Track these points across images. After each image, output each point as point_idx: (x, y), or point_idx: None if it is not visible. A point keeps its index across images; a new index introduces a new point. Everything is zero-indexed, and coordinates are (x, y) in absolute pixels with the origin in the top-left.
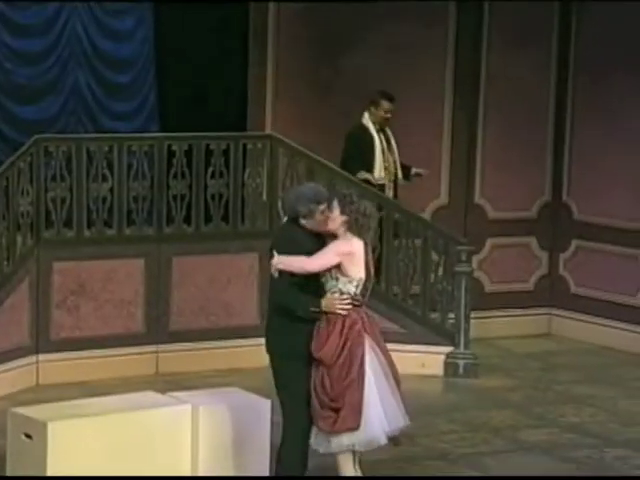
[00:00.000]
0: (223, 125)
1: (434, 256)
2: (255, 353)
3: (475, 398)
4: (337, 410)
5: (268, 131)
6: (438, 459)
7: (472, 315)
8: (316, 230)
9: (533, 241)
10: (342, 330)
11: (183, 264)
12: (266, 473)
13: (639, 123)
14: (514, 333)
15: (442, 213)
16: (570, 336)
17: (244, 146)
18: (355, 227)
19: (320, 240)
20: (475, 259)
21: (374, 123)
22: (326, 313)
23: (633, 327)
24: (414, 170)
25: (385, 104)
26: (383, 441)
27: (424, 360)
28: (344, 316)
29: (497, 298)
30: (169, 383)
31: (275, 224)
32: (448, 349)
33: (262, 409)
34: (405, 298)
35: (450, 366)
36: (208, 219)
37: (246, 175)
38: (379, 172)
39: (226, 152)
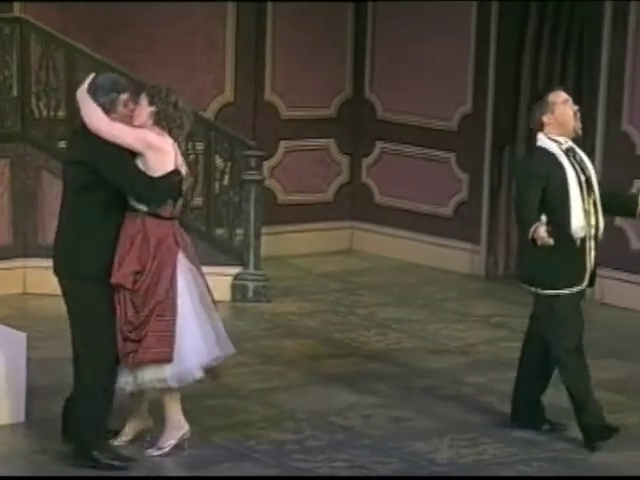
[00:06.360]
0: None
1: (218, 162)
2: (6, 278)
3: (267, 325)
4: (139, 341)
5: (17, 13)
6: (226, 396)
7: (263, 230)
8: None
9: (332, 144)
10: (147, 247)
11: None
12: (21, 419)
13: (451, 7)
14: (311, 250)
15: (227, 112)
16: (374, 252)
17: None
18: (165, 121)
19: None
20: (266, 165)
21: (562, 137)
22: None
23: (443, 241)
24: None
25: (559, 98)
26: (199, 375)
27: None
28: (145, 231)
29: (292, 210)
30: None
31: (29, 124)
32: (236, 270)
33: (16, 344)
34: (185, 211)
35: (238, 289)
36: None
37: None
38: (577, 223)
39: None
